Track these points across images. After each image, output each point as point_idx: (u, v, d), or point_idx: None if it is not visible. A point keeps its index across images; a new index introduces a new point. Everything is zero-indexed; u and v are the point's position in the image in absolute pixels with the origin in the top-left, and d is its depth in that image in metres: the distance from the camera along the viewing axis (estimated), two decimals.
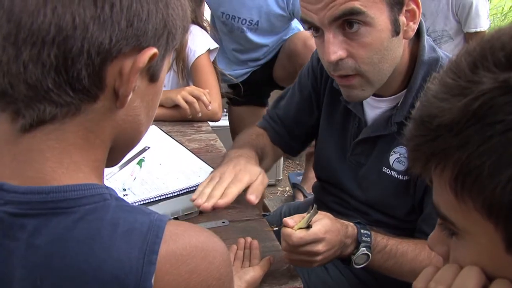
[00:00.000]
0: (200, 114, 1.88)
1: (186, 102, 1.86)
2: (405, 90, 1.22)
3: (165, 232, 0.62)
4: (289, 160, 4.02)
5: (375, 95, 1.26)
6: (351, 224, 1.16)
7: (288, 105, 1.50)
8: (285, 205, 1.81)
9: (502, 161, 0.51)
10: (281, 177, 3.70)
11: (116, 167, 1.43)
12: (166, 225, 0.62)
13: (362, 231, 1.15)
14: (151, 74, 0.67)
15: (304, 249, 1.07)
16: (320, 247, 1.07)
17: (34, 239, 0.59)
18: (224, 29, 2.41)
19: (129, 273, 0.59)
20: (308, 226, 1.07)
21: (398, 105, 1.23)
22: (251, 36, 2.36)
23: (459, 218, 0.58)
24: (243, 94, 2.46)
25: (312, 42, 2.08)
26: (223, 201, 1.15)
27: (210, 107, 1.88)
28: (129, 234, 0.61)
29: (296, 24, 2.40)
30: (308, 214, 1.07)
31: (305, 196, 2.32)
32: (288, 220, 1.08)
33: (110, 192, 0.64)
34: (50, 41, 0.57)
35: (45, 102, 0.60)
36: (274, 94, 2.40)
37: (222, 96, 2.18)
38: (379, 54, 1.12)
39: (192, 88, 1.92)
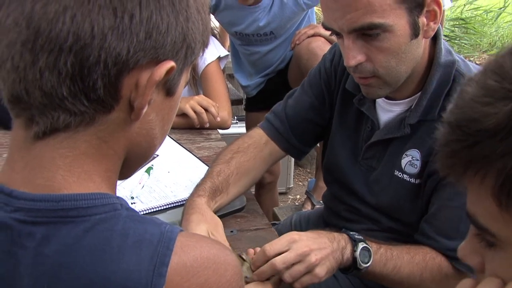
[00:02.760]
0: (207, 125, 1.87)
1: (195, 112, 1.85)
2: (420, 93, 1.21)
3: (176, 243, 0.60)
4: (300, 168, 4.01)
5: (389, 98, 1.25)
6: (333, 230, 1.16)
7: (297, 104, 1.46)
8: (296, 214, 1.79)
9: None
10: (292, 185, 3.69)
11: None
12: (177, 236, 0.61)
13: (350, 232, 1.14)
14: (168, 88, 0.66)
15: (297, 268, 1.05)
16: (312, 257, 1.05)
17: (42, 248, 0.58)
18: (240, 42, 2.41)
19: (138, 285, 0.58)
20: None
21: (412, 107, 1.22)
22: (268, 45, 2.35)
23: (501, 228, 0.54)
24: (260, 101, 2.46)
25: (315, 44, 2.06)
26: None
27: (218, 119, 1.87)
28: (139, 245, 0.59)
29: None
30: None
31: (313, 205, 2.29)
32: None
33: (121, 202, 0.63)
34: (68, 49, 0.56)
35: (60, 110, 0.59)
36: None
37: (233, 104, 2.16)
38: (397, 58, 1.12)
39: (201, 98, 1.90)
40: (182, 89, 0.70)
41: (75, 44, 0.56)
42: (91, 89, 0.58)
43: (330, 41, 2.04)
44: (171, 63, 0.62)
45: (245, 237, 1.29)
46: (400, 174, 1.25)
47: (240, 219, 1.37)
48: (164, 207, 1.32)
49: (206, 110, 1.86)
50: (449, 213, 1.16)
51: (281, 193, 3.56)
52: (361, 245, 1.11)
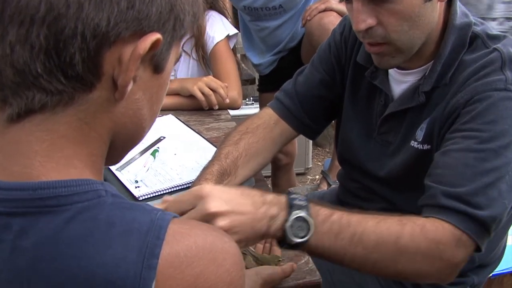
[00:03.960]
0: (216, 107, 1.82)
1: (203, 93, 1.80)
2: (434, 59, 1.15)
3: (168, 231, 0.55)
4: (319, 148, 3.95)
5: (401, 68, 1.19)
6: (276, 194, 0.93)
7: (307, 80, 1.41)
8: (310, 195, 1.75)
9: None
10: (311, 166, 3.63)
11: (132, 156, 1.39)
12: (169, 224, 0.56)
13: (292, 196, 0.91)
14: (155, 64, 0.60)
15: (191, 214, 0.83)
16: (209, 205, 0.82)
17: (20, 241, 0.54)
18: (249, 18, 2.35)
19: (126, 278, 0.52)
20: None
21: (426, 74, 1.16)
22: (277, 20, 2.29)
23: None
24: (273, 80, 2.39)
25: (327, 20, 1.99)
26: None
27: (227, 101, 1.82)
28: (127, 235, 0.54)
29: None
30: None
31: (329, 185, 2.24)
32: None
33: (106, 188, 0.58)
34: (40, 20, 0.51)
35: (34, 89, 0.54)
36: None
37: (244, 84, 2.11)
38: (410, 22, 1.06)
39: (209, 79, 1.85)
40: (172, 66, 0.65)
41: (48, 15, 0.51)
42: (68, 65, 0.53)
43: (342, 15, 1.96)
44: (156, 35, 0.57)
45: None
46: (414, 144, 1.19)
47: None
48: (169, 190, 1.28)
49: (214, 91, 1.81)
50: (452, 156, 1.01)
51: (299, 174, 3.52)
52: (294, 215, 0.88)
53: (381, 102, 1.27)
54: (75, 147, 0.58)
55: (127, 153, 0.70)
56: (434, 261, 0.94)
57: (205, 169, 1.24)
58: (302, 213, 0.89)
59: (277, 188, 2.70)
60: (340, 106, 1.39)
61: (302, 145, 3.37)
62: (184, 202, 0.85)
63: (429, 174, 1.05)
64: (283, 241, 0.90)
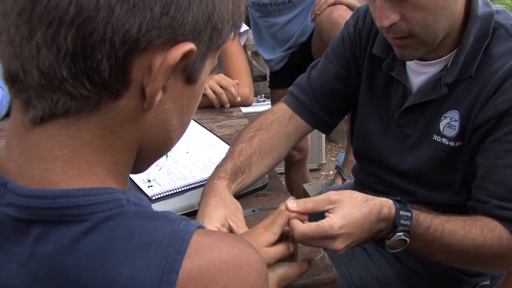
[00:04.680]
0: (228, 105, 1.80)
1: (214, 92, 1.79)
2: (456, 50, 1.13)
3: (191, 244, 0.52)
4: (332, 144, 3.93)
5: (421, 59, 1.18)
6: (389, 203, 1.00)
7: (321, 74, 1.39)
8: (325, 190, 1.73)
9: None
10: (324, 161, 3.62)
11: None
12: (192, 236, 0.53)
13: (401, 212, 1.00)
14: (188, 75, 0.57)
15: (314, 243, 0.97)
16: (337, 244, 0.94)
17: (38, 246, 0.52)
18: (259, 14, 2.34)
19: None
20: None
21: (448, 65, 1.14)
22: (286, 15, 2.28)
23: None
24: (284, 76, 2.38)
25: (336, 14, 1.97)
26: None
27: (238, 99, 1.80)
28: (146, 247, 0.52)
29: None
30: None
31: (343, 179, 2.22)
32: (289, 202, 0.96)
33: (128, 197, 0.55)
34: (68, 22, 0.49)
35: (59, 92, 0.52)
36: None
37: (255, 80, 2.09)
38: (434, 15, 1.05)
39: (220, 77, 1.84)
40: (206, 77, 0.61)
41: (77, 17, 0.49)
42: (95, 71, 0.51)
43: (352, 9, 1.94)
44: (190, 45, 0.53)
45: (267, 216, 1.22)
46: (439, 138, 1.18)
47: (262, 197, 1.31)
48: (182, 189, 1.27)
49: (225, 90, 1.80)
50: (501, 173, 1.07)
51: (313, 170, 3.50)
52: (397, 237, 1.00)
53: (399, 94, 1.25)
54: (98, 155, 0.56)
55: (153, 163, 0.67)
56: (503, 262, 1.11)
57: (218, 167, 1.22)
58: (403, 236, 1.00)
59: (291, 184, 2.69)
60: (356, 99, 1.38)
61: (315, 141, 3.35)
62: (319, 202, 0.97)
63: (480, 187, 1.11)
64: (379, 244, 1.05)
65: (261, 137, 1.31)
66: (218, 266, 0.53)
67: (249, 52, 3.54)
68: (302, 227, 0.94)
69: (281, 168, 2.85)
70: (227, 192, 1.14)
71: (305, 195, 2.22)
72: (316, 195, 1.73)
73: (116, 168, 0.58)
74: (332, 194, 0.98)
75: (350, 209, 0.95)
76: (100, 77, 0.52)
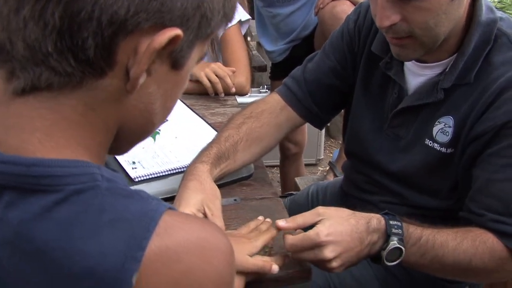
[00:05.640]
0: (223, 95, 1.80)
1: (210, 80, 1.78)
2: (456, 54, 1.12)
3: (160, 223, 0.53)
4: (332, 140, 3.92)
5: (420, 61, 1.16)
6: (377, 215, 1.03)
7: (317, 68, 1.37)
8: (314, 185, 1.72)
9: None
10: (322, 157, 3.61)
11: None
12: (162, 215, 0.53)
13: (391, 222, 1.02)
14: (174, 60, 0.58)
15: (306, 256, 0.99)
16: (327, 253, 0.96)
17: (8, 212, 0.53)
18: (262, 4, 2.33)
19: (109, 269, 0.50)
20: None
21: (447, 69, 1.13)
22: (290, 6, 2.27)
23: None
24: (285, 68, 2.36)
25: (339, 8, 1.96)
26: None
27: (233, 89, 1.80)
28: (116, 224, 0.52)
29: None
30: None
31: (335, 176, 2.21)
32: (279, 221, 1.00)
33: (102, 172, 0.55)
34: None
35: (43, 66, 0.53)
36: None
37: (255, 70, 2.08)
38: (436, 19, 1.03)
39: (217, 66, 1.83)
40: (193, 64, 0.62)
41: None
42: (80, 48, 0.51)
43: (355, 4, 1.93)
44: (176, 31, 0.54)
45: (248, 206, 1.23)
46: (430, 143, 1.17)
47: (246, 187, 1.31)
48: (166, 173, 1.27)
49: (221, 79, 1.79)
50: (498, 187, 1.06)
51: (311, 165, 3.49)
52: (392, 245, 1.01)
53: (395, 94, 1.23)
54: (77, 131, 0.56)
55: (133, 145, 0.67)
56: (498, 274, 1.10)
57: (202, 151, 1.22)
58: (397, 244, 1.01)
59: (285, 177, 2.69)
60: (350, 95, 1.36)
61: (314, 136, 3.34)
62: (308, 216, 1.01)
63: (476, 199, 1.09)
64: (376, 261, 1.05)
65: (250, 125, 1.30)
66: (186, 246, 0.53)
67: (254, 42, 3.53)
68: (290, 238, 0.98)
69: (276, 161, 2.85)
70: (207, 177, 1.14)
71: (296, 188, 2.21)
72: (303, 190, 1.72)
73: (93, 145, 0.58)
74: (320, 208, 1.02)
75: (337, 219, 1.00)
76: (85, 55, 0.52)
